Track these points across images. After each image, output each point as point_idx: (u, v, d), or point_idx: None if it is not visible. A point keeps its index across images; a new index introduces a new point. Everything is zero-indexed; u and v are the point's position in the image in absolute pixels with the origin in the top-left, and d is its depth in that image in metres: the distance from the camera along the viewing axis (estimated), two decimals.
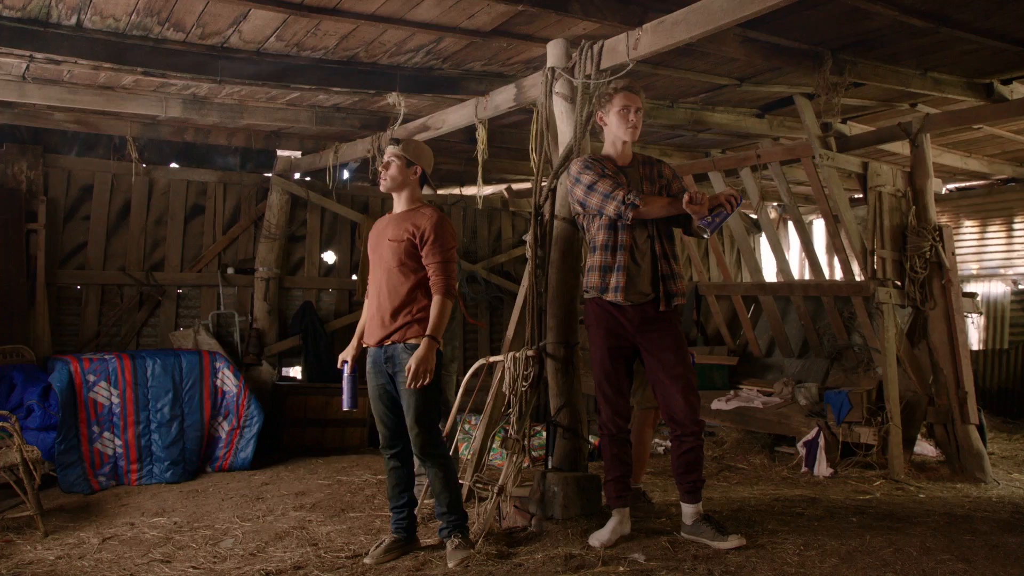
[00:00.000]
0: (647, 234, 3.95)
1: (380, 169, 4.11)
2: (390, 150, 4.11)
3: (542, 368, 4.59)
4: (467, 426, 6.04)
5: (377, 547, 4.01)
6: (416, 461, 4.17)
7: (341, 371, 4.22)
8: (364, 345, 4.14)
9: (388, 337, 3.96)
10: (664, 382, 3.93)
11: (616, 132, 4.03)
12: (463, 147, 7.76)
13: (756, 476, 6.24)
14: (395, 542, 4.06)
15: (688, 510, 3.90)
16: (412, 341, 3.91)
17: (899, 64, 5.81)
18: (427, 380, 3.84)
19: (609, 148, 4.10)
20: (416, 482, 5.55)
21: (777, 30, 5.12)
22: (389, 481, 4.17)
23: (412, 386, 3.82)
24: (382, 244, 4.07)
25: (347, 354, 4.22)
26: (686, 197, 3.70)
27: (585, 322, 4.21)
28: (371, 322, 4.07)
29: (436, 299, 3.94)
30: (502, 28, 5.07)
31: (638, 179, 4.04)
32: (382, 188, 4.12)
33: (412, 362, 3.82)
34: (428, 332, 3.89)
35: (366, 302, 4.25)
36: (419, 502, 4.95)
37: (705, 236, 3.89)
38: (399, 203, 4.14)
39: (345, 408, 4.21)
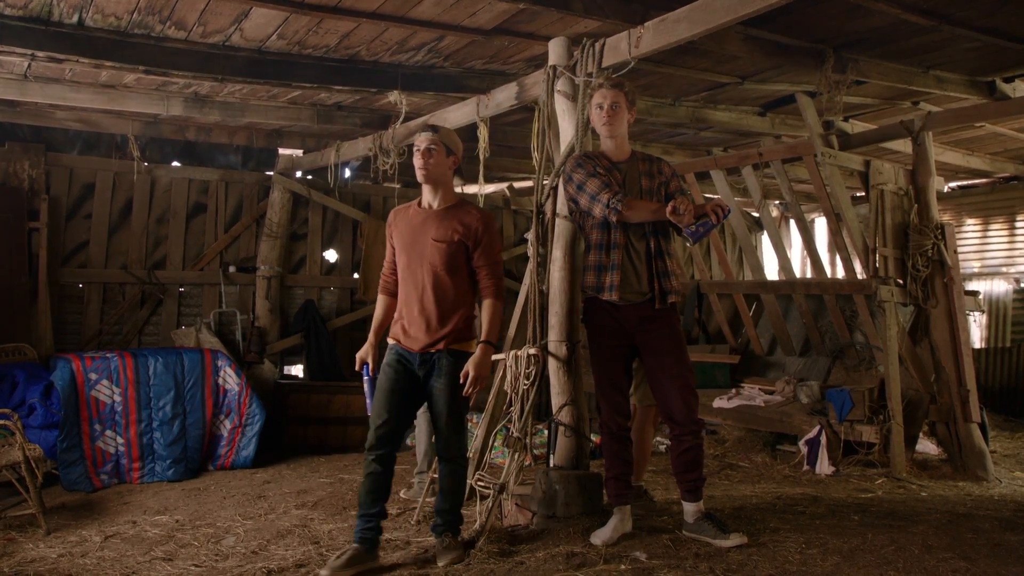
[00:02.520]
0: (643, 231, 3.95)
1: (419, 157, 3.85)
2: (428, 137, 3.86)
3: (544, 366, 4.59)
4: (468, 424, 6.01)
5: (338, 557, 3.76)
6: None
7: (360, 372, 4.04)
8: (398, 345, 3.91)
9: (435, 344, 3.82)
10: (662, 381, 3.94)
11: (596, 128, 4.10)
12: (465, 145, 7.74)
13: (758, 474, 6.24)
14: (357, 553, 3.78)
15: (689, 508, 3.90)
16: (456, 347, 3.83)
17: (901, 62, 5.80)
18: (483, 386, 3.81)
19: (603, 144, 4.12)
20: (419, 480, 5.57)
21: (779, 28, 5.11)
22: (366, 486, 3.86)
23: (470, 392, 3.78)
24: (422, 242, 3.85)
25: (367, 354, 3.99)
26: (669, 207, 3.67)
27: (584, 320, 4.22)
28: (412, 325, 3.86)
29: (489, 302, 3.88)
30: (503, 26, 5.07)
31: (636, 175, 4.02)
32: (420, 178, 3.88)
33: (471, 368, 3.76)
34: (485, 338, 3.83)
35: (383, 298, 4.09)
36: (421, 499, 4.95)
37: (689, 244, 3.89)
38: (435, 196, 3.92)
39: (371, 414, 3.98)
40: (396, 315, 3.98)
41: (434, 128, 3.92)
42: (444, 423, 3.88)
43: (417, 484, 5.57)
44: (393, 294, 4.06)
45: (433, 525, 4.01)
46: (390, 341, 3.96)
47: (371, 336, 4.03)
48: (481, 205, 7.69)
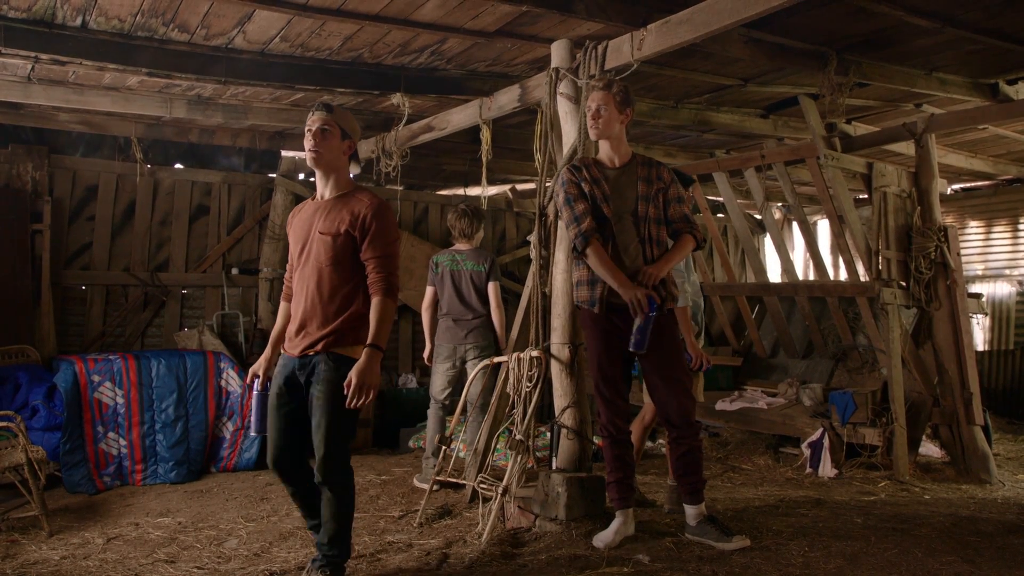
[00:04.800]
0: (637, 240, 3.95)
1: (310, 138, 3.45)
2: (323, 116, 3.45)
3: (546, 369, 4.59)
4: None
5: (307, 572, 3.55)
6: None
7: (250, 385, 3.63)
8: (284, 354, 3.55)
9: (313, 346, 3.41)
10: (658, 385, 3.96)
11: (589, 132, 4.07)
12: (467, 147, 7.76)
13: (760, 477, 6.23)
14: None
15: (691, 511, 3.90)
16: (338, 351, 3.40)
17: (904, 64, 5.80)
18: (369, 397, 3.28)
19: (600, 147, 4.12)
20: (426, 465, 5.59)
21: (782, 30, 5.11)
22: (297, 503, 3.62)
23: (353, 404, 3.28)
24: (310, 237, 3.49)
25: (259, 367, 3.59)
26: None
27: (581, 325, 4.22)
28: (294, 326, 3.50)
29: (378, 301, 3.39)
30: (506, 28, 5.07)
31: (633, 180, 4.01)
32: (310, 162, 3.48)
33: (354, 375, 3.27)
34: (371, 341, 3.34)
35: (284, 305, 3.72)
36: (424, 501, 4.92)
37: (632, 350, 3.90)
38: (328, 185, 3.53)
39: (253, 433, 3.66)
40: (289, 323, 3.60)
41: (328, 107, 3.49)
42: (319, 438, 3.36)
43: (425, 470, 5.63)
44: None
45: (313, 559, 3.57)
46: (282, 350, 3.61)
47: (268, 347, 3.67)
48: (484, 207, 7.71)
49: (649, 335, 3.75)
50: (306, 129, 3.48)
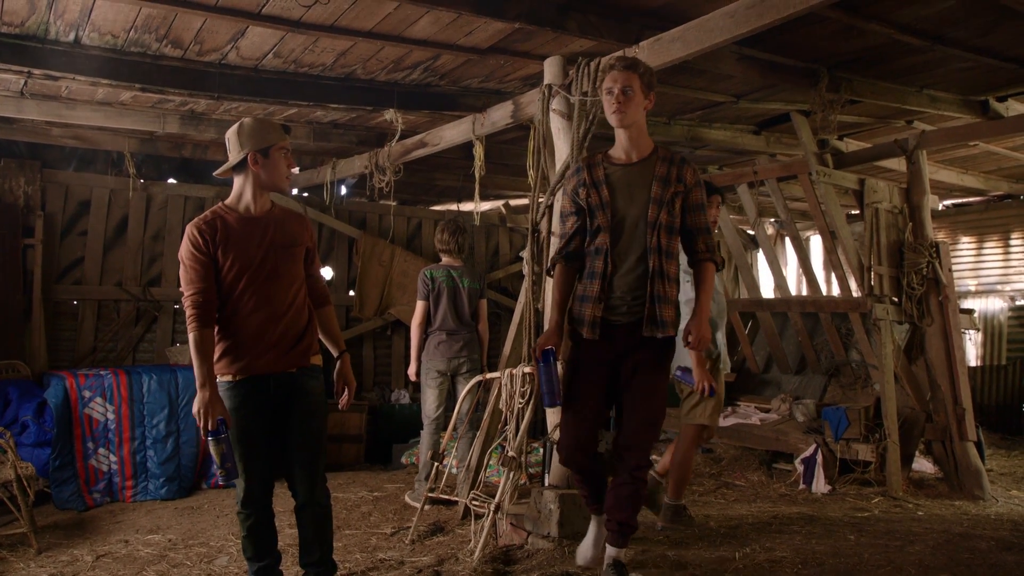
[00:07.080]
0: (642, 251, 3.39)
1: (288, 162, 3.43)
2: (288, 141, 3.48)
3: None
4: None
5: None
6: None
7: (215, 431, 3.15)
8: (247, 378, 3.31)
9: (294, 362, 3.38)
10: (627, 418, 3.48)
11: (607, 117, 3.48)
12: (460, 163, 7.78)
13: (754, 493, 6.21)
14: None
15: (609, 552, 3.48)
16: (312, 363, 3.49)
17: (895, 81, 5.84)
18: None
19: (616, 137, 3.52)
20: (419, 486, 5.55)
21: (774, 48, 5.15)
22: (251, 540, 3.38)
23: (346, 406, 3.61)
24: (269, 251, 3.35)
25: (220, 409, 3.19)
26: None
27: (571, 336, 3.69)
28: (268, 345, 3.31)
29: (331, 309, 3.66)
30: (499, 45, 5.09)
31: (647, 180, 3.40)
32: (286, 184, 3.47)
33: (350, 380, 3.62)
34: (343, 347, 3.66)
35: (208, 332, 3.25)
36: (416, 518, 4.89)
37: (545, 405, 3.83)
38: (263, 199, 3.43)
39: (224, 481, 3.56)
40: (235, 345, 3.31)
41: (286, 128, 3.54)
42: (311, 454, 3.38)
43: (418, 490, 5.59)
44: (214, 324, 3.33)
45: None
46: (228, 379, 3.30)
47: (211, 380, 3.21)
48: (477, 223, 7.72)
49: (558, 386, 3.46)
50: (283, 152, 3.41)
